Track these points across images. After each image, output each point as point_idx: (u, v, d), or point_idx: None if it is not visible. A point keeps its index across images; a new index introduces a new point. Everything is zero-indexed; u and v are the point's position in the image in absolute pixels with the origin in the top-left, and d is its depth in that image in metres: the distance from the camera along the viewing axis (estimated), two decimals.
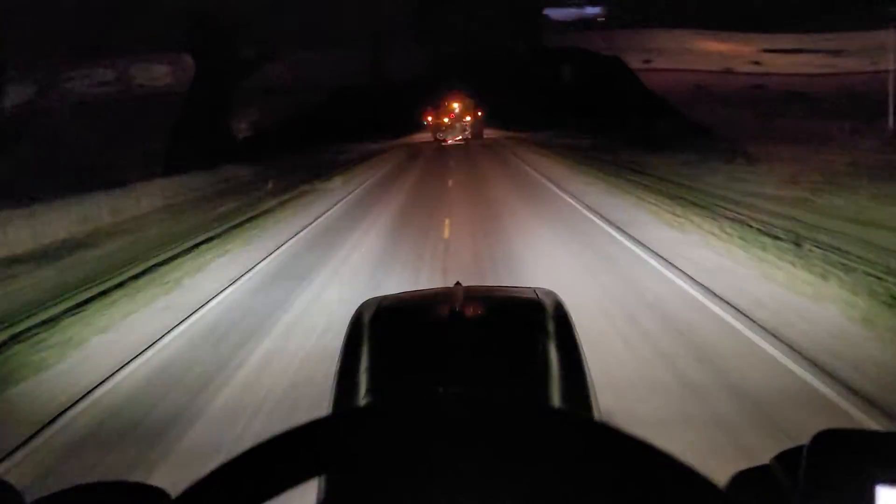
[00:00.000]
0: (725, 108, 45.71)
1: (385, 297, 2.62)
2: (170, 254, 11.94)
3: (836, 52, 67.14)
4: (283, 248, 12.16)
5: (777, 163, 19.91)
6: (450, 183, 20.91)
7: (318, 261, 10.72)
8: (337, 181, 22.83)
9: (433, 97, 51.48)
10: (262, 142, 45.00)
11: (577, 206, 14.70)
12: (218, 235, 13.84)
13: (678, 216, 12.56)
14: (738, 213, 12.32)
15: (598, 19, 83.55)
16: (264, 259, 11.20)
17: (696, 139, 30.68)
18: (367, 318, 2.31)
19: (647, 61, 69.36)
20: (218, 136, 37.82)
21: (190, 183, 23.69)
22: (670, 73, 65.57)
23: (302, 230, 14.01)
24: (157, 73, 51.48)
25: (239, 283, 9.67)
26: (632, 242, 10.61)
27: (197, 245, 12.69)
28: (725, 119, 38.54)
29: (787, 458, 0.72)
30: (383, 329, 2.25)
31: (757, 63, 70.72)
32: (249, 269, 10.46)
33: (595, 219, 13.02)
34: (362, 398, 1.83)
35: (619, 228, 11.81)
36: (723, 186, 16.67)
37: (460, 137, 46.65)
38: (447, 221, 13.41)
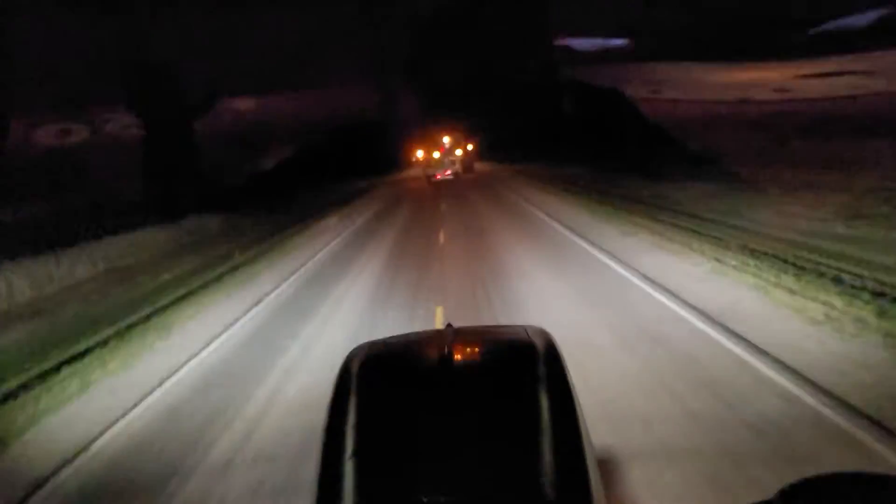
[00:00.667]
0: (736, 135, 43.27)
1: (374, 344, 2.52)
2: (61, 357, 8.88)
3: (868, 73, 65.36)
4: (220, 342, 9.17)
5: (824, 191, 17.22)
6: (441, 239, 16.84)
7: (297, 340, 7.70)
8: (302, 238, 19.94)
9: (423, 131, 50.33)
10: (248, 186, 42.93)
11: (644, 285, 9.83)
12: (151, 315, 10.94)
13: (798, 294, 8.38)
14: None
15: (623, 50, 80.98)
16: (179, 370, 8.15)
17: (699, 166, 29.37)
18: (354, 368, 2.24)
19: (656, 91, 67.41)
20: (185, 185, 35.36)
21: (144, 240, 20.76)
22: (680, 104, 63.99)
23: (255, 305, 11.13)
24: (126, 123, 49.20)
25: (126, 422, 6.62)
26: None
27: (112, 337, 9.67)
28: (734, 145, 36.27)
29: (790, 494, 0.72)
30: (371, 381, 2.18)
31: (782, 90, 67.62)
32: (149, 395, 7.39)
33: (702, 325, 7.82)
34: (347, 462, 1.78)
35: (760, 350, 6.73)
36: (783, 226, 13.70)
37: (450, 172, 45.04)
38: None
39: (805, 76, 69.36)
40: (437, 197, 30.65)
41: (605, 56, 79.67)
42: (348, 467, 1.77)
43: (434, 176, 44.36)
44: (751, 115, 57.01)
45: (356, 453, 1.79)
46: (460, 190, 33.88)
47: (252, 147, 54.09)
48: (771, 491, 1.06)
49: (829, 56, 69.18)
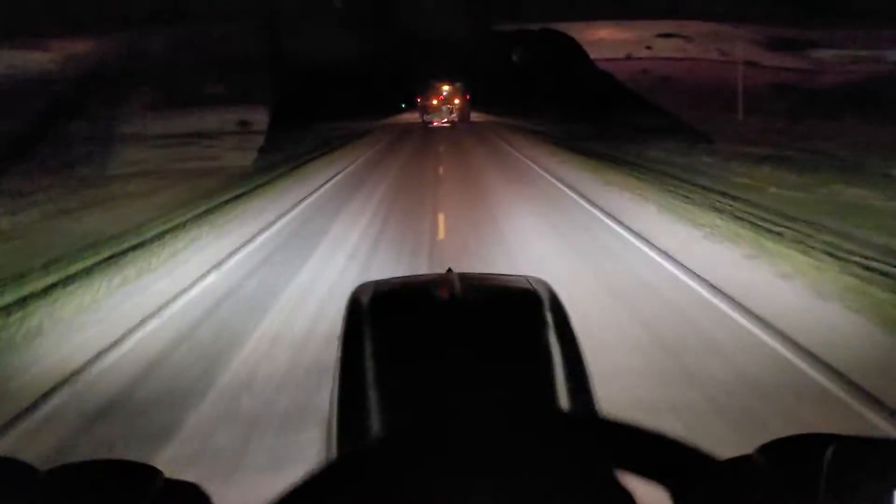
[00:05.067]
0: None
1: (379, 283, 2.60)
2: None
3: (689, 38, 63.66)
4: None
5: None
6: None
7: None
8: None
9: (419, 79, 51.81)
10: None
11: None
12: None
13: None
14: None
15: None
16: None
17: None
18: (364, 305, 2.26)
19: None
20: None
21: None
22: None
23: None
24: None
25: None
26: None
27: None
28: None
29: (770, 451, 0.70)
30: (383, 317, 2.22)
31: (649, 48, 66.29)
32: None
33: None
34: (371, 391, 1.81)
35: None
36: None
37: (447, 120, 46.75)
38: None
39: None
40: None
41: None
42: (371, 395, 1.80)
43: (431, 122, 45.74)
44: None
45: (377, 383, 1.81)
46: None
47: None
48: None
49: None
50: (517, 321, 2.15)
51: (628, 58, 63.96)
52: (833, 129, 28.47)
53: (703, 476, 0.62)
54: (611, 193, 14.98)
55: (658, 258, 9.19)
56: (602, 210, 12.81)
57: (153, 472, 0.78)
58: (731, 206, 13.07)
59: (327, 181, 19.16)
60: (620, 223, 11.52)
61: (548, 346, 1.95)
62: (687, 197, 14.12)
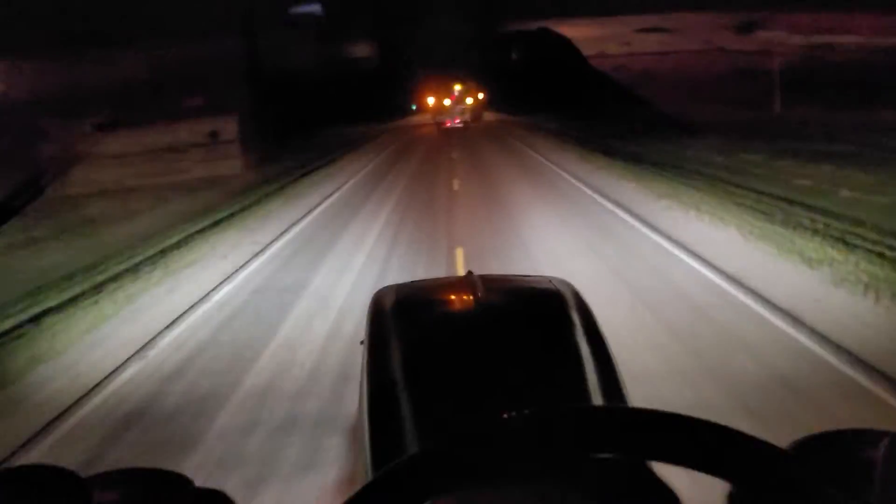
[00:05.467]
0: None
1: (400, 287, 2.59)
2: None
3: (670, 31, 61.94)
4: None
5: None
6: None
7: None
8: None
9: (431, 79, 50.88)
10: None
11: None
12: None
13: None
14: None
15: None
16: None
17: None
18: (387, 309, 2.23)
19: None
20: None
21: None
22: None
23: None
24: None
25: None
26: None
27: None
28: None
29: (806, 447, 0.69)
30: (408, 321, 2.17)
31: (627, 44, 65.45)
32: None
33: None
34: (402, 397, 1.77)
35: None
36: None
37: (459, 120, 44.34)
38: None
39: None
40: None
41: None
42: (402, 401, 1.74)
43: (444, 123, 43.79)
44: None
45: (407, 388, 1.77)
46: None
47: None
48: None
49: None
50: (543, 322, 2.08)
51: (602, 55, 62.52)
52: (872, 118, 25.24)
53: (768, 468, 0.58)
54: (672, 212, 11.93)
55: (809, 343, 5.70)
56: (675, 242, 9.65)
57: (183, 481, 0.79)
58: (823, 224, 10.06)
59: (322, 201, 16.13)
60: (712, 266, 8.29)
61: (577, 347, 1.89)
62: (766, 214, 11.07)
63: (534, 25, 64.15)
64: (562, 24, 64.91)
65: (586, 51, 60.85)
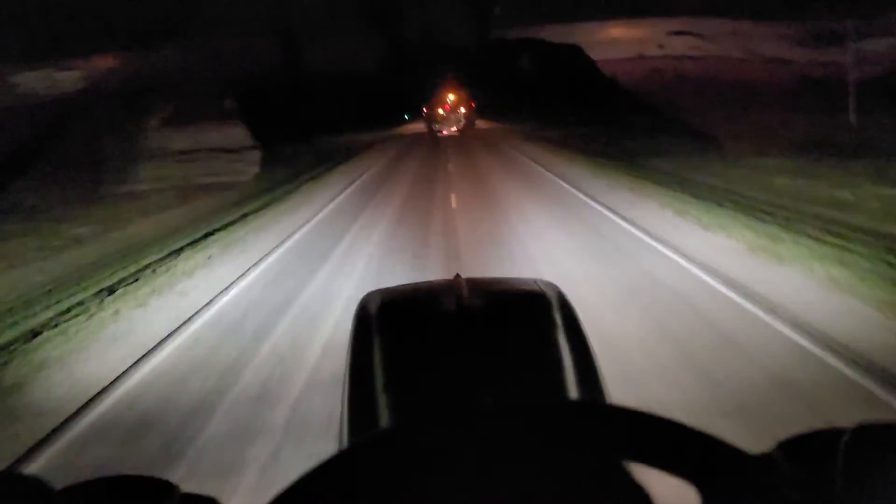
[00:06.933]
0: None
1: (387, 290, 2.54)
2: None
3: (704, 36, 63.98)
4: None
5: None
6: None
7: None
8: None
9: (426, 88, 52.00)
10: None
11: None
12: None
13: None
14: None
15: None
16: None
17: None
18: (372, 312, 2.22)
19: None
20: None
21: None
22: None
23: None
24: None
25: None
26: None
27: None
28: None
29: (790, 447, 0.67)
30: (391, 324, 2.16)
31: (661, 46, 68.00)
32: None
33: None
34: (380, 399, 1.78)
35: None
36: None
37: (455, 129, 45.95)
38: None
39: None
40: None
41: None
42: (380, 403, 1.77)
43: (439, 132, 44.79)
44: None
45: (387, 389, 1.79)
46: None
47: None
48: None
49: None
50: (526, 323, 2.10)
51: (640, 57, 63.10)
52: None
53: (732, 472, 0.58)
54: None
55: None
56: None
57: (169, 488, 0.78)
58: None
59: (307, 222, 13.01)
60: None
61: (557, 348, 1.93)
62: None
63: (565, 28, 65.11)
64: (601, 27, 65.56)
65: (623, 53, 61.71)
